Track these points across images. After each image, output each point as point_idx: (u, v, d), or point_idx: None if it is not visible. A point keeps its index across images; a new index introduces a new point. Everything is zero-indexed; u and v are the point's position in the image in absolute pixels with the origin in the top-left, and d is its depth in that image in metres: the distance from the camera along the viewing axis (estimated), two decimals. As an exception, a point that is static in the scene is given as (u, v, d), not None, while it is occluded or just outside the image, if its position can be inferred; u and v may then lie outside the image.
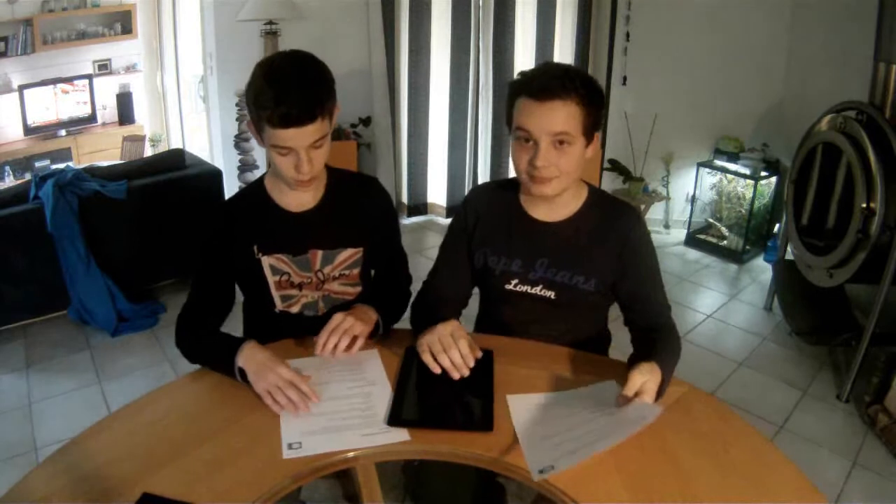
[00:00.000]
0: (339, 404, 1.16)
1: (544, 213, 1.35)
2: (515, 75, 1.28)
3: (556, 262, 1.34)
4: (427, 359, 1.19)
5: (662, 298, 1.37)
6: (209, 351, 1.28)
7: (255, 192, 1.42)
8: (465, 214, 1.42)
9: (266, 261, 1.37)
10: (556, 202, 1.33)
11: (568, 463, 0.96)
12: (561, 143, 1.21)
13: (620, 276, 1.34)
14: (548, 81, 1.19)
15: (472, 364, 1.19)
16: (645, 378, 1.08)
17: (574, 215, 1.34)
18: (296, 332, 1.38)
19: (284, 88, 1.16)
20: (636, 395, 1.08)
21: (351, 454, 1.05)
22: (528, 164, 1.23)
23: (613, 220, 1.34)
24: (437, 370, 1.18)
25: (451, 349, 1.18)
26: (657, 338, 1.27)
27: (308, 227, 1.38)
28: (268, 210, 1.38)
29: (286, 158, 1.24)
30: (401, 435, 1.08)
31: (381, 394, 1.19)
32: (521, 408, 1.15)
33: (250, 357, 1.19)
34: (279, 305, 1.43)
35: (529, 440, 1.05)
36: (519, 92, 1.23)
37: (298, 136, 1.19)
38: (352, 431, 1.09)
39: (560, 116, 1.19)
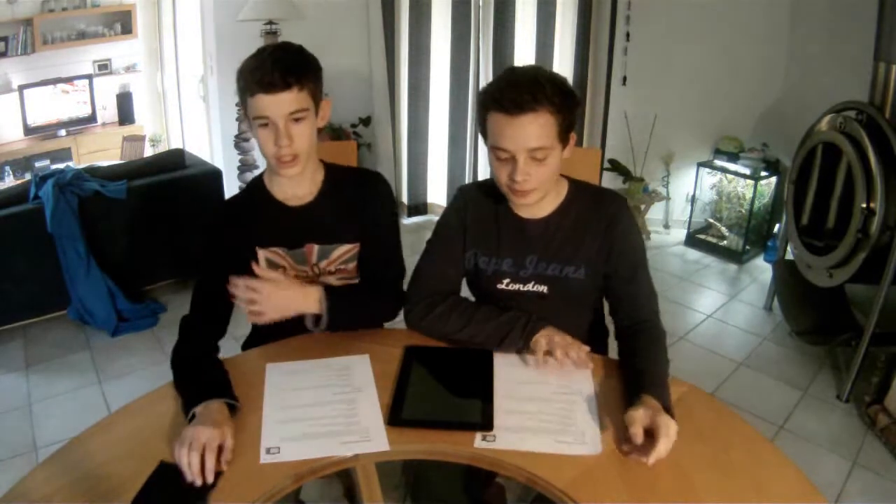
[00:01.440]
0: (322, 410, 1.14)
1: (530, 211, 1.35)
2: (482, 86, 1.27)
3: (546, 256, 1.35)
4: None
5: (648, 286, 1.36)
6: (188, 379, 1.20)
7: (253, 189, 1.44)
8: (458, 209, 1.42)
9: (262, 254, 1.38)
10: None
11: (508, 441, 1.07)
12: (538, 158, 1.20)
13: (607, 257, 1.33)
14: (518, 95, 1.16)
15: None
16: (639, 412, 1.03)
17: (559, 208, 1.35)
18: (296, 330, 1.37)
19: (264, 59, 1.23)
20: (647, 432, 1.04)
21: (349, 454, 1.05)
22: (507, 178, 1.23)
23: (598, 204, 1.35)
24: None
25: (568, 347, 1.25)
26: (640, 348, 1.25)
27: (305, 221, 1.39)
28: (265, 204, 1.39)
29: (267, 133, 1.25)
30: (380, 444, 1.07)
31: (367, 401, 1.17)
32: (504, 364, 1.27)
33: (208, 413, 1.08)
34: None
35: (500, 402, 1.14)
36: (489, 107, 1.21)
37: (275, 104, 1.22)
38: (331, 439, 1.08)
39: (534, 131, 1.18)
